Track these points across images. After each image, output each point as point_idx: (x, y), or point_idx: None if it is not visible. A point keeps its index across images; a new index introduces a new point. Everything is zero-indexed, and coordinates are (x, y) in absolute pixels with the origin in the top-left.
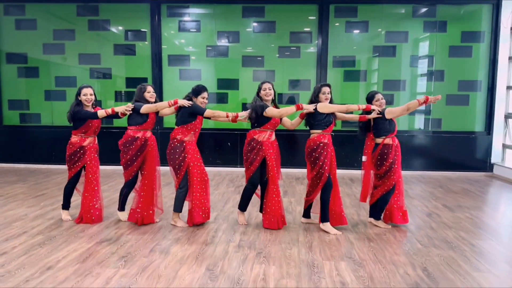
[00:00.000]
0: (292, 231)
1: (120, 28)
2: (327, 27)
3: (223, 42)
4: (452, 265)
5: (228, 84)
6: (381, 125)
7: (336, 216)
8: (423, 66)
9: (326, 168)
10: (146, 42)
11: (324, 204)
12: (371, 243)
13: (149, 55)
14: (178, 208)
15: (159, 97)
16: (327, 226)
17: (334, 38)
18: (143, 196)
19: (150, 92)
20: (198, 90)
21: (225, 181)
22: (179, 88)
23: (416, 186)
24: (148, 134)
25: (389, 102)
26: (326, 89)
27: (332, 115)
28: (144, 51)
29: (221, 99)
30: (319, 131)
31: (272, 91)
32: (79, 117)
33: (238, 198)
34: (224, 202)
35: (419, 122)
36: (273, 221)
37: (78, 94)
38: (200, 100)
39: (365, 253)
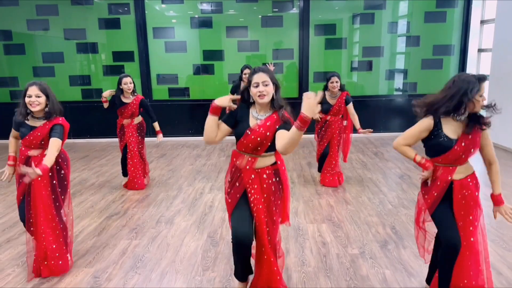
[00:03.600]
0: None
1: (104, 1)
2: None
3: (206, 10)
4: None
5: (213, 55)
6: None
7: None
8: (400, 32)
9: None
10: (130, 15)
11: (441, 271)
12: (348, 206)
13: (133, 28)
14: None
15: (147, 70)
16: None
17: (315, 5)
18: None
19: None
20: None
21: (216, 151)
22: (165, 61)
23: (392, 148)
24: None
25: (369, 67)
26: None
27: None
28: (129, 24)
29: (207, 70)
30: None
31: (268, 87)
32: None
33: None
34: (217, 172)
35: (397, 85)
36: None
37: (119, 83)
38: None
39: (343, 216)
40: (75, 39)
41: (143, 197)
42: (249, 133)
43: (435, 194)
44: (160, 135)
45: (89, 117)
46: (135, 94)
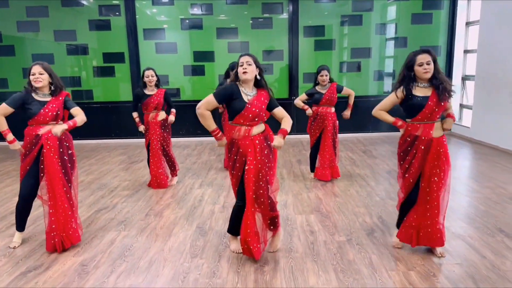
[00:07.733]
0: None
1: (94, 2)
2: None
3: (197, 13)
4: None
5: (204, 56)
6: None
7: (429, 235)
8: (387, 33)
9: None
10: (121, 16)
11: (401, 215)
12: (337, 198)
13: (124, 30)
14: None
15: (137, 71)
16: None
17: (304, 8)
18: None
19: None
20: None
21: (206, 150)
22: (156, 62)
23: (380, 146)
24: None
25: (357, 69)
26: (425, 57)
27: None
28: (119, 26)
29: (198, 71)
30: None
31: (250, 67)
32: None
33: (219, 165)
34: (207, 170)
35: (386, 87)
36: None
37: (142, 76)
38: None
39: (331, 207)
40: (65, 40)
41: (132, 192)
42: (249, 106)
43: (414, 152)
44: (172, 116)
45: None
46: (158, 87)
